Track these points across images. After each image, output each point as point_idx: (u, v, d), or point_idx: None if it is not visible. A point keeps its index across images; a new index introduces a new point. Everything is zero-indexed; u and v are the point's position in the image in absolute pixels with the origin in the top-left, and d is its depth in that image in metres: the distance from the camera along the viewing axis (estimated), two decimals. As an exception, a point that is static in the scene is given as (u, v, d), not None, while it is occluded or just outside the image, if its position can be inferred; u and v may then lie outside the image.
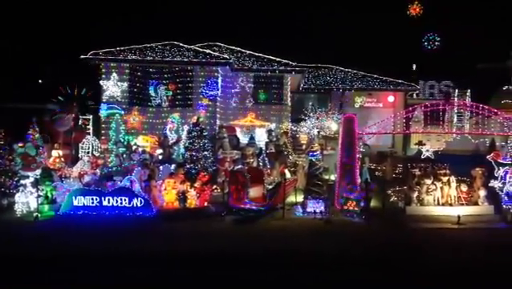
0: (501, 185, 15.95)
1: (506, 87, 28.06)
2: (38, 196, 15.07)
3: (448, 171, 16.11)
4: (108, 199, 14.99)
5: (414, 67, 33.79)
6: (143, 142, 24.69)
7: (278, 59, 27.61)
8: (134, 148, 21.26)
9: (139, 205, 14.89)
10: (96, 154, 20.57)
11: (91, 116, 25.67)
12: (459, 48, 38.82)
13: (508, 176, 15.81)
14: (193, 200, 15.20)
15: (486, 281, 9.30)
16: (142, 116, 25.57)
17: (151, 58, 25.37)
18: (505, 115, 18.88)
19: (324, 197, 15.72)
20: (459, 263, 10.41)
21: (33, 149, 17.18)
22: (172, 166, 18.88)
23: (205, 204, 15.43)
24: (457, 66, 35.40)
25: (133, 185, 15.60)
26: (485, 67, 34.39)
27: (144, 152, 20.46)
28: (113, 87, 25.36)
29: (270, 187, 17.41)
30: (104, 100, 25.34)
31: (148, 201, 14.94)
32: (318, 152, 16.98)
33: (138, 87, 25.87)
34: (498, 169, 16.20)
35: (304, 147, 23.09)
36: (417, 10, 29.55)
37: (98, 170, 18.06)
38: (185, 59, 25.42)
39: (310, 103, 29.68)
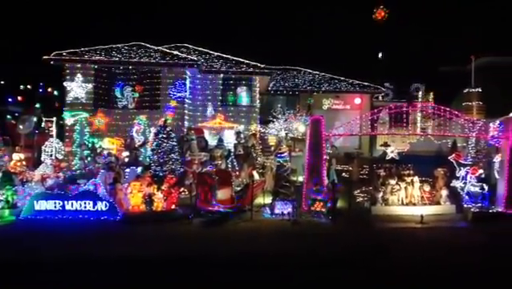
0: (462, 185, 16.48)
1: (467, 89, 28.98)
2: (-1, 200, 14.58)
3: (411, 171, 16.49)
4: (72, 203, 14.58)
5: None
6: (109, 144, 24.22)
7: (246, 61, 27.63)
8: (99, 150, 20.85)
9: (104, 209, 14.56)
10: (59, 157, 20.05)
11: (54, 118, 25.02)
12: (422, 51, 39.99)
13: (469, 176, 16.34)
14: (159, 203, 14.99)
15: (449, 279, 9.53)
16: (108, 117, 25.08)
17: (117, 58, 24.94)
18: (465, 117, 19.51)
19: (292, 198, 15.82)
20: (423, 262, 10.64)
21: (-8, 152, 16.62)
22: (139, 169, 18.61)
23: (173, 207, 15.26)
24: (421, 68, 36.39)
25: (98, 188, 15.27)
26: (448, 70, 35.46)
27: (109, 154, 20.12)
28: (78, 88, 24.79)
29: (238, 189, 17.39)
30: (68, 102, 24.73)
31: (113, 205, 14.63)
32: (286, 154, 17.08)
33: (103, 88, 25.37)
34: (460, 170, 16.74)
35: (272, 149, 23.19)
36: (383, 14, 30.17)
37: (61, 174, 17.60)
38: (152, 60, 25.12)
39: (279, 105, 29.83)
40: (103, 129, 24.91)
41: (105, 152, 20.54)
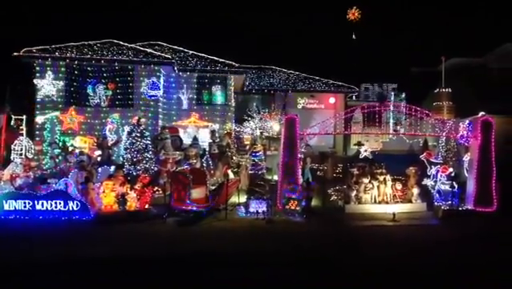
0: (433, 183, 16.86)
1: (437, 90, 29.55)
2: (-35, 200, 14.11)
3: (384, 170, 16.74)
4: (42, 203, 14.27)
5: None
6: (81, 143, 23.76)
7: (221, 60, 27.50)
8: (70, 149, 20.44)
9: (75, 208, 14.29)
10: (29, 156, 19.57)
11: (24, 116, 24.36)
12: (395, 52, 40.70)
13: (439, 174, 16.73)
14: (133, 202, 14.81)
15: (421, 274, 9.72)
16: (80, 116, 24.57)
17: (89, 56, 24.46)
18: (436, 116, 19.94)
19: (267, 197, 15.86)
20: (395, 258, 10.84)
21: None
22: (112, 168, 18.34)
23: (146, 206, 15.09)
24: (393, 69, 37.04)
25: (69, 187, 14.97)
26: (419, 70, 36.12)
27: (81, 153, 19.75)
28: (48, 85, 24.18)
29: (213, 188, 17.32)
30: (39, 100, 24.14)
31: (84, 205, 14.37)
32: (260, 153, 17.11)
33: (75, 86, 24.80)
34: (430, 168, 17.11)
35: (247, 148, 23.19)
36: (356, 14, 30.60)
37: (31, 173, 17.19)
38: (125, 58, 24.73)
39: (254, 104, 29.84)
40: (74, 127, 24.40)
41: (77, 151, 20.15)
